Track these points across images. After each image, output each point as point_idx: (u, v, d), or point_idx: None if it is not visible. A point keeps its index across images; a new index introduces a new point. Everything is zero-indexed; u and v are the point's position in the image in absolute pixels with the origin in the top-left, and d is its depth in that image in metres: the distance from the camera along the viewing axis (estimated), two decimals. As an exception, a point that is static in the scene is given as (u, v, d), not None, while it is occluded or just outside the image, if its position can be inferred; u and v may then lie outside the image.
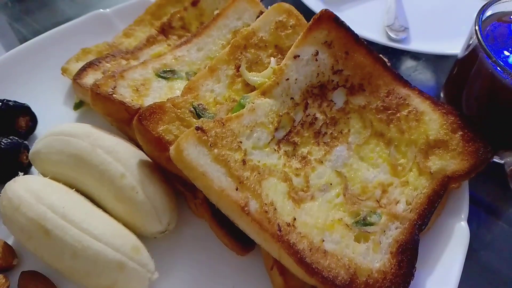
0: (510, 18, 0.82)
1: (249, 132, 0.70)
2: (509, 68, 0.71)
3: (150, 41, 0.92)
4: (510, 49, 0.76)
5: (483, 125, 0.79)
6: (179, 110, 0.72)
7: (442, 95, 0.92)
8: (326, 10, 0.79)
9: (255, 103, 0.73)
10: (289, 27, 0.83)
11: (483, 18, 0.80)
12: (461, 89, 0.84)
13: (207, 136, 0.65)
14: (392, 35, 1.03)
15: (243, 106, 0.73)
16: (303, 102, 0.77)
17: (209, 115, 0.73)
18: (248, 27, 0.82)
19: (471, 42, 0.79)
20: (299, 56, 0.77)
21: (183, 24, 0.96)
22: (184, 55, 0.86)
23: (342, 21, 0.79)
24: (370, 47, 0.80)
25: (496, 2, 0.81)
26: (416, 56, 1.09)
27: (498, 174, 0.84)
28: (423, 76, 1.06)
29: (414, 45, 1.02)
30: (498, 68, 0.72)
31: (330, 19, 0.78)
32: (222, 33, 0.89)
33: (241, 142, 0.68)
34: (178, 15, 0.96)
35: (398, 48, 0.99)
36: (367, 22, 1.08)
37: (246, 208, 0.62)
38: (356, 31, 0.79)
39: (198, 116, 0.73)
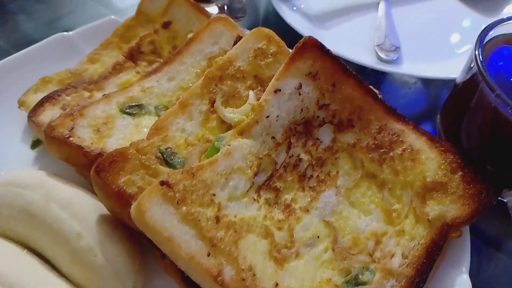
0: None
1: (224, 180, 0.62)
2: (515, 104, 0.63)
3: (116, 69, 0.83)
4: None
5: (485, 161, 0.72)
6: (143, 157, 0.63)
7: (438, 121, 0.84)
8: (310, 37, 0.70)
9: (232, 145, 0.64)
10: (269, 55, 0.75)
11: (485, 40, 0.72)
12: (460, 119, 0.76)
13: (173, 191, 0.57)
14: (382, 55, 0.95)
15: (217, 150, 0.64)
16: (286, 141, 0.68)
17: (179, 160, 0.65)
18: (224, 56, 0.74)
19: (472, 65, 0.72)
20: (280, 90, 0.69)
21: (153, 49, 0.87)
22: (154, 86, 0.77)
23: (328, 50, 0.71)
24: (360, 77, 0.72)
25: (501, 22, 0.74)
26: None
27: (501, 210, 0.77)
28: (417, 99, 0.98)
29: (407, 67, 0.94)
30: (502, 103, 0.64)
31: (314, 48, 0.70)
32: (196, 59, 0.81)
33: (214, 195, 0.60)
34: (148, 39, 0.87)
35: (389, 71, 0.91)
36: (356, 41, 1.00)
37: (219, 278, 0.54)
38: (343, 51, 0.71)
39: (166, 163, 0.64)
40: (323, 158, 0.69)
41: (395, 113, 0.72)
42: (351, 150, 0.70)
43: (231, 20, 0.81)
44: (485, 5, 1.07)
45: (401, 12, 1.07)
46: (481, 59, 0.68)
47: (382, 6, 1.05)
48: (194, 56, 0.81)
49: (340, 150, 0.70)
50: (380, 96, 0.73)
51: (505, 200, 0.76)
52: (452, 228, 0.66)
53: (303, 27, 0.95)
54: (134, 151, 0.63)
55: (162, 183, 0.56)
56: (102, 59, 0.89)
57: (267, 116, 0.67)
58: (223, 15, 0.84)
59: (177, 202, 0.56)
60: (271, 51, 0.75)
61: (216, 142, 0.65)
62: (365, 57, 0.96)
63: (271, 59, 0.74)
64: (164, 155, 0.64)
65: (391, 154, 0.69)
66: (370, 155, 0.69)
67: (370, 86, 0.72)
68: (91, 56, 0.89)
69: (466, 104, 0.74)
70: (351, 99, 0.71)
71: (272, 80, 0.69)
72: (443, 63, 0.94)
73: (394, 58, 0.95)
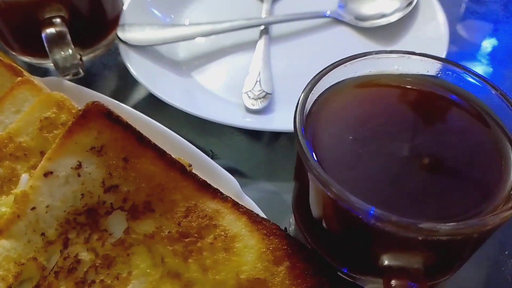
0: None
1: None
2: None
3: None
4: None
5: (328, 244, 0.56)
6: None
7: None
8: (94, 103, 0.57)
9: (-19, 251, 0.50)
10: (59, 125, 0.61)
11: (324, 90, 0.57)
12: (300, 190, 0.60)
13: None
14: (248, 104, 0.80)
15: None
16: (61, 238, 0.54)
17: None
18: (3, 132, 0.60)
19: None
20: (52, 172, 0.55)
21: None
22: None
23: (118, 117, 0.57)
24: (161, 148, 0.57)
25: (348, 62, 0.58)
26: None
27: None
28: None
29: (274, 119, 0.79)
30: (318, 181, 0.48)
31: (100, 116, 0.56)
32: (-5, 133, 0.67)
33: None
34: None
35: (249, 128, 0.76)
36: (225, 89, 0.86)
37: None
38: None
39: None
40: (112, 256, 0.54)
41: (209, 189, 0.57)
42: (150, 243, 0.55)
43: (37, 82, 0.68)
44: (386, 34, 0.92)
45: (283, 49, 0.92)
46: (301, 119, 0.52)
47: (260, 44, 0.90)
48: (-8, 129, 0.67)
49: (136, 243, 0.55)
50: (190, 168, 0.58)
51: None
52: None
53: (155, 77, 0.81)
54: None
55: None
56: None
57: (33, 208, 0.53)
58: (34, 77, 0.71)
59: None
60: (62, 120, 0.61)
61: (-41, 249, 0.51)
62: (231, 108, 0.81)
63: (60, 131, 0.61)
64: None
65: (200, 244, 0.54)
66: (173, 247, 0.54)
67: (177, 158, 0.57)
68: None
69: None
70: (150, 177, 0.56)
71: (42, 160, 0.55)
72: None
73: (261, 107, 0.80)
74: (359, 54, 0.59)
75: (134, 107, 0.85)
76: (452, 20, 0.90)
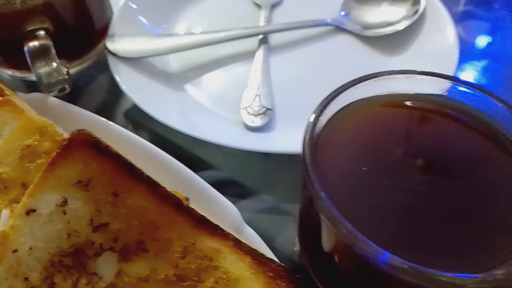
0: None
1: None
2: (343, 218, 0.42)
3: None
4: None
5: (337, 284, 0.51)
6: None
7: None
8: (80, 131, 0.51)
9: (-46, 302, 0.45)
10: (42, 154, 0.55)
11: (333, 113, 0.53)
12: (306, 220, 0.55)
13: None
14: (247, 121, 0.75)
15: None
16: (46, 283, 0.49)
17: None
18: (-21, 162, 0.55)
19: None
20: (34, 210, 0.49)
21: None
22: None
23: (107, 147, 0.51)
24: (154, 181, 0.52)
25: (349, 87, 0.54)
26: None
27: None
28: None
29: (275, 138, 0.74)
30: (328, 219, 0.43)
31: (86, 146, 0.51)
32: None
33: None
34: None
35: (248, 149, 0.70)
36: (223, 104, 0.81)
37: None
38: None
39: None
40: (102, 302, 0.49)
41: (209, 225, 0.52)
42: (144, 287, 0.50)
43: (19, 103, 0.62)
44: (392, 42, 0.87)
45: (283, 60, 0.87)
46: (308, 150, 0.47)
47: (258, 55, 0.85)
48: (-31, 156, 0.62)
49: (128, 287, 0.50)
50: (187, 202, 0.53)
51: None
52: None
53: (147, 93, 0.76)
54: None
55: None
56: None
57: (14, 250, 0.48)
58: (17, 94, 0.65)
59: None
60: (45, 148, 0.56)
61: None
62: (229, 126, 0.76)
63: (44, 160, 0.55)
64: None
65: (199, 288, 0.49)
66: (170, 292, 0.49)
67: (173, 192, 0.52)
68: None
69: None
70: (142, 213, 0.51)
71: (24, 197, 0.50)
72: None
73: (261, 125, 0.75)
74: (370, 75, 0.54)
75: (124, 121, 0.80)
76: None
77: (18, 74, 0.80)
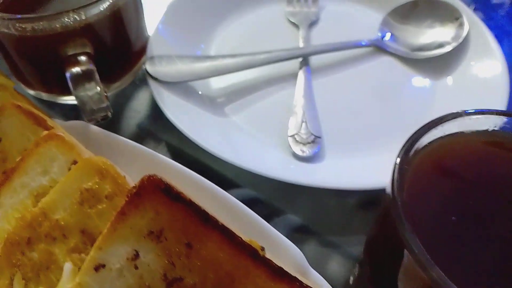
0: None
1: None
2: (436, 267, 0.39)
3: None
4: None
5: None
6: None
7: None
8: (150, 177, 0.48)
9: None
10: (103, 198, 0.52)
11: (414, 151, 0.50)
12: (384, 257, 0.53)
13: None
14: (296, 150, 0.72)
15: None
16: None
17: None
18: (35, 208, 0.51)
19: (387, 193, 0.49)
20: (104, 265, 0.46)
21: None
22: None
23: (180, 193, 0.48)
24: (229, 229, 0.49)
25: (438, 124, 0.51)
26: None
27: None
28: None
29: (326, 171, 0.71)
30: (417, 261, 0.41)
31: (156, 192, 0.47)
32: (18, 198, 0.57)
33: None
34: (-33, 165, 0.64)
35: (299, 183, 0.67)
36: (267, 132, 0.78)
37: None
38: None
39: None
40: None
41: (286, 277, 0.49)
42: None
43: (68, 138, 0.58)
44: (433, 64, 0.85)
45: (325, 83, 0.84)
46: (397, 187, 0.45)
47: (300, 77, 0.82)
48: (16, 194, 0.57)
49: None
50: (263, 252, 0.50)
51: None
52: None
53: (192, 122, 0.73)
54: None
55: None
56: None
57: (84, 310, 0.44)
58: (55, 122, 0.61)
59: None
60: (106, 192, 0.52)
61: None
62: (276, 156, 0.73)
63: (105, 205, 0.51)
64: None
65: None
66: None
67: (249, 241, 0.49)
68: None
69: (388, 241, 0.51)
70: (218, 265, 0.48)
71: (92, 250, 0.46)
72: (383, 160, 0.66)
73: (311, 154, 0.72)
74: (447, 115, 0.52)
75: (170, 151, 0.76)
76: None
77: (55, 99, 0.76)
